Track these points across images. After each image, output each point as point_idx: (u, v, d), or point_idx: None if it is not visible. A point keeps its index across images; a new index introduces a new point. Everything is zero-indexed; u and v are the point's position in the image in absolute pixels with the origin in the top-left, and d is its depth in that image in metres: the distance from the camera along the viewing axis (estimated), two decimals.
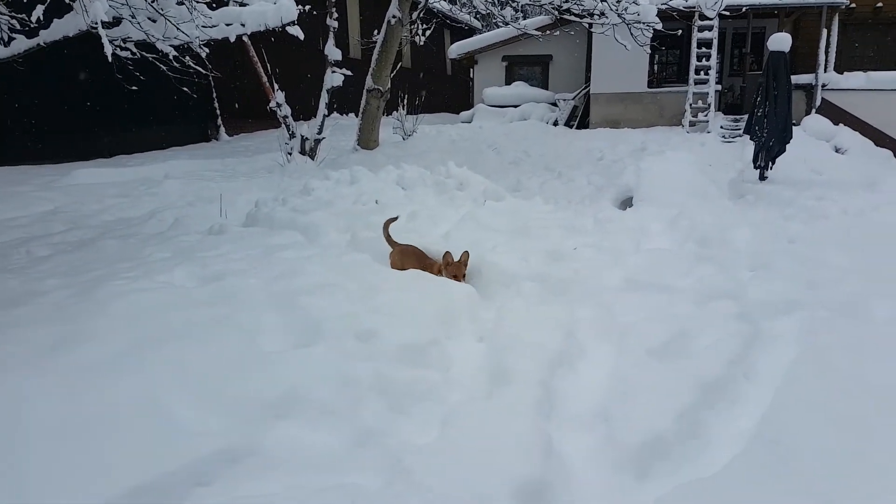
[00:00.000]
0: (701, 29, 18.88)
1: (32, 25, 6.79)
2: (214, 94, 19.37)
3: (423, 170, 9.29)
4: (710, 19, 17.26)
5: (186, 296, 4.61)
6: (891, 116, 17.52)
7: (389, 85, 15.12)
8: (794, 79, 13.45)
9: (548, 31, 21.15)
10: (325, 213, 7.47)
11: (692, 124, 18.88)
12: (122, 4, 7.33)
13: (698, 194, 9.57)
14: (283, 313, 4.35)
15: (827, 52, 19.04)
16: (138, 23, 7.53)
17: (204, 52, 9.03)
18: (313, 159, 14.27)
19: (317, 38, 17.23)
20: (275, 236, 6.67)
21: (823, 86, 18.91)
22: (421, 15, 16.48)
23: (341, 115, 23.74)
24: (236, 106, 20.39)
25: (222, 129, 20.04)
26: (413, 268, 5.20)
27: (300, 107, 16.60)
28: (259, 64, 15.36)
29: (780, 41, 11.19)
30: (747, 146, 12.69)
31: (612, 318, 4.60)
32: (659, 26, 12.60)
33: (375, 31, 15.00)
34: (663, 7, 13.01)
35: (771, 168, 11.57)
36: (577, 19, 13.73)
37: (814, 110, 18.61)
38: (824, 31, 18.88)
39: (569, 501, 2.73)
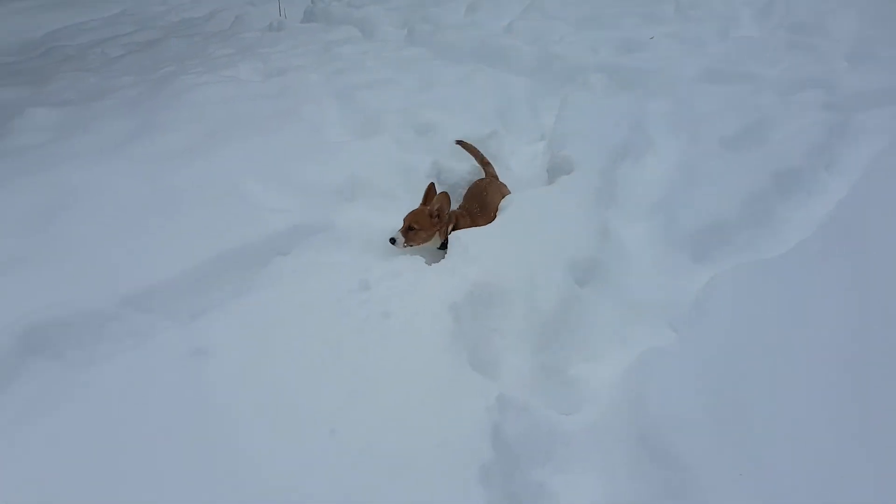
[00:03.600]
0: None
1: None
2: None
3: None
4: None
5: (252, 89, 4.67)
6: None
7: None
8: None
9: None
10: (381, 8, 7.17)
11: None
12: None
13: None
14: (343, 106, 4.37)
15: None
16: None
17: None
18: None
19: None
20: (333, 32, 6.50)
21: None
22: None
23: None
24: None
25: None
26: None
27: None
28: None
29: None
30: None
31: (685, 109, 4.36)
32: None
33: None
34: None
35: None
36: None
37: None
38: None
39: (621, 276, 2.83)
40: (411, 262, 2.84)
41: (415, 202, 3.34)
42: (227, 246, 2.84)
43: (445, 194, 3.15)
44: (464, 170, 3.78)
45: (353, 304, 2.61)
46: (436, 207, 3.11)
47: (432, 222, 3.11)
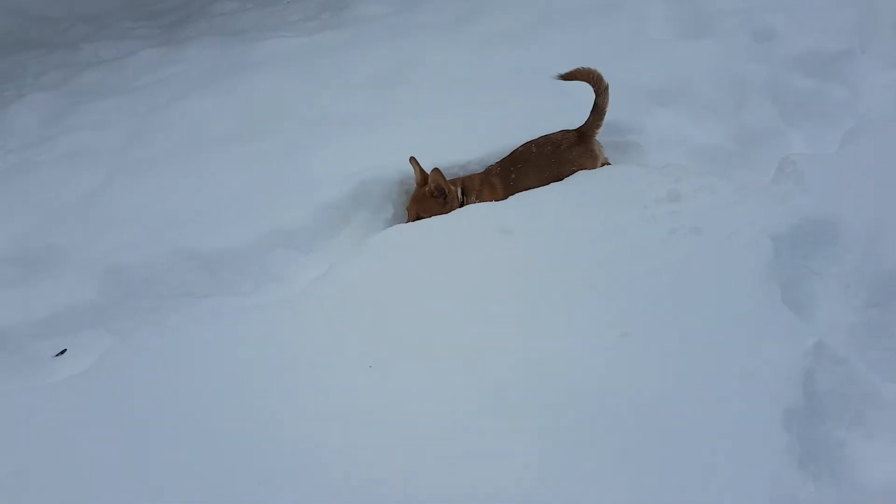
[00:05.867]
0: None
1: None
2: None
3: None
4: None
5: None
6: None
7: None
8: None
9: None
10: None
11: None
12: None
13: None
14: (670, 2, 4.05)
15: None
16: None
17: None
18: None
19: None
20: None
21: None
22: None
23: None
24: None
25: None
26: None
27: None
28: None
29: None
30: None
31: None
32: None
33: None
34: None
35: None
36: None
37: None
38: None
39: None
40: (729, 180, 2.64)
41: (738, 117, 3.06)
42: (542, 131, 2.91)
43: (437, 170, 2.68)
44: None
45: (661, 213, 2.54)
46: (432, 187, 2.68)
47: (439, 203, 2.70)
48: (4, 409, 1.92)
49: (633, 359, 2.00)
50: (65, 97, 3.93)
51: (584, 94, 3.18)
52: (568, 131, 2.83)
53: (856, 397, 2.01)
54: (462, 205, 2.72)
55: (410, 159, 2.68)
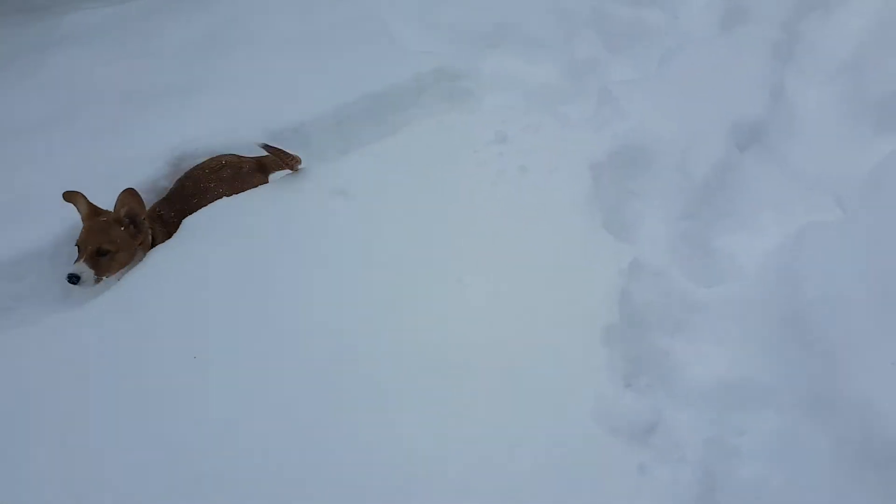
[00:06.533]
0: None
1: None
2: None
3: None
4: None
5: None
6: None
7: None
8: None
9: None
10: None
11: None
12: None
13: None
14: None
15: None
16: None
17: None
18: None
19: None
20: None
21: None
22: None
23: None
24: None
25: None
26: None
27: None
28: None
29: None
30: None
31: None
32: None
33: None
34: None
35: None
36: None
37: None
38: None
39: (789, 143, 2.54)
40: (554, 116, 2.71)
41: (566, 51, 3.13)
42: (372, 88, 2.86)
43: (132, 191, 2.19)
44: None
45: (490, 155, 2.58)
46: (123, 212, 2.18)
47: (129, 234, 2.19)
48: None
49: (468, 302, 2.03)
50: None
51: (411, 42, 3.15)
52: (242, 158, 2.48)
53: (674, 306, 2.16)
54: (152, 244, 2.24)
55: (67, 194, 2.16)
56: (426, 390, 1.74)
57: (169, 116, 2.70)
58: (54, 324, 1.96)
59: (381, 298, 2.02)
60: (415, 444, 1.62)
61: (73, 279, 2.06)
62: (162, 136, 2.58)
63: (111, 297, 2.04)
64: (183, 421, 1.68)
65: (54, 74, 3.16)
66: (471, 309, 1.99)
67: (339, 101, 2.78)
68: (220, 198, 2.31)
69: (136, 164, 2.48)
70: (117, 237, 2.14)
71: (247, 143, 2.54)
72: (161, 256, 2.17)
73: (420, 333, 1.90)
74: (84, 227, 2.17)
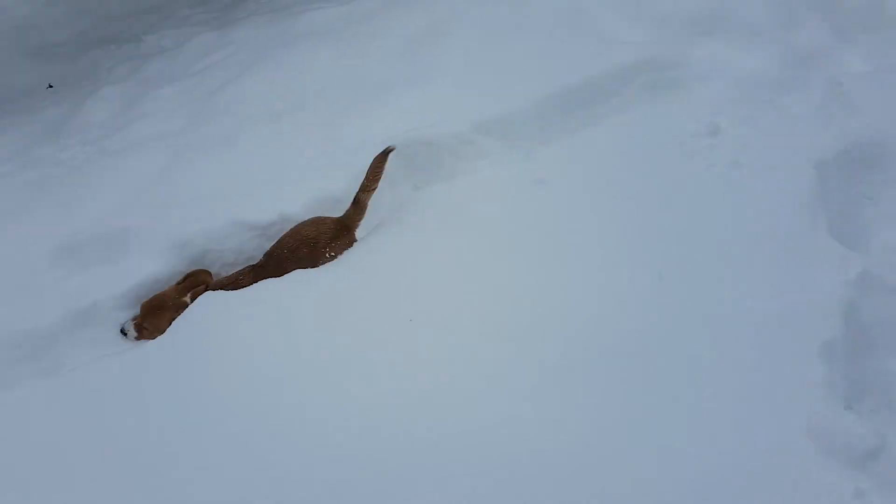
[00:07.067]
0: None
1: None
2: None
3: None
4: None
5: None
6: None
7: None
8: None
9: None
10: None
11: None
12: None
13: None
14: None
15: None
16: None
17: None
18: None
19: None
20: None
21: None
22: None
23: None
24: None
25: None
26: None
27: None
28: None
29: None
30: None
31: None
32: None
33: None
34: None
35: None
36: None
37: None
38: None
39: None
40: (773, 109, 2.53)
41: (784, 38, 2.90)
42: (571, 80, 2.87)
43: (204, 272, 2.47)
44: None
45: (699, 147, 2.48)
46: (189, 296, 2.39)
47: (177, 305, 2.37)
48: (103, 376, 2.15)
49: (664, 296, 2.00)
50: (133, 88, 4.17)
51: (618, 32, 3.11)
52: (323, 221, 2.52)
53: None
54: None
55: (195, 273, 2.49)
56: None
57: (391, 107, 2.96)
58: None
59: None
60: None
61: (122, 331, 2.40)
62: (384, 126, 2.83)
63: None
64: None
65: (293, 68, 3.58)
66: (667, 301, 1.96)
67: (540, 93, 2.83)
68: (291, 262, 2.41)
69: (358, 153, 2.74)
70: (163, 318, 2.36)
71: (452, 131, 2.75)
72: None
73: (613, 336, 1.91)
74: (155, 298, 2.43)
